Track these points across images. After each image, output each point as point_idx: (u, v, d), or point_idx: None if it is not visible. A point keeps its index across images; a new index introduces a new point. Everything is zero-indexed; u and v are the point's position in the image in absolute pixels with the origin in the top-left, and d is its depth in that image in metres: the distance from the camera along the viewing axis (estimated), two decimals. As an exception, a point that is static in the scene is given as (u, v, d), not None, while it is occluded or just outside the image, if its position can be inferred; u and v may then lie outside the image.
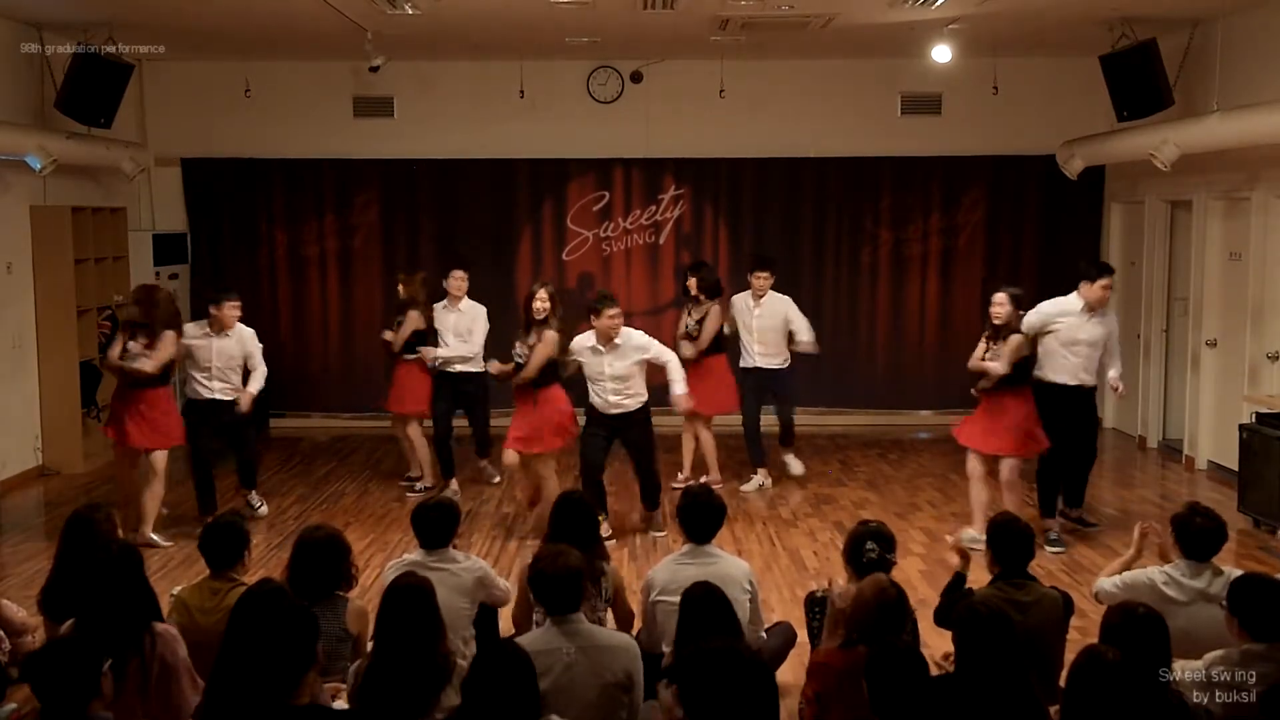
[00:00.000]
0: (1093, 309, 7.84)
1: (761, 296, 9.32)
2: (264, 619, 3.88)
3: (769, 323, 9.35)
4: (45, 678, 3.55)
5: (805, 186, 11.92)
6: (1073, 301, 7.90)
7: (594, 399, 7.88)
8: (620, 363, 7.69)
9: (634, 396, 7.83)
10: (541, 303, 7.76)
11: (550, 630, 4.28)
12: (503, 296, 11.24)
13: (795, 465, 9.85)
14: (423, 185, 11.93)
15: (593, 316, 7.73)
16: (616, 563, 5.47)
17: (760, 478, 9.51)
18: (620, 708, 4.24)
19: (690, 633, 4.20)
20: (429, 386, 9.23)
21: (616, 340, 7.64)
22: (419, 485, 9.43)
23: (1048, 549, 7.58)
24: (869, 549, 4.82)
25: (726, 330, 9.31)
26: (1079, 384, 7.86)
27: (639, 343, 7.76)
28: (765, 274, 9.30)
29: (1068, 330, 7.82)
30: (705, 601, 4.31)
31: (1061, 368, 7.83)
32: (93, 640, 3.97)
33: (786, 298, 9.48)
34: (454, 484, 9.32)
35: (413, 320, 9.14)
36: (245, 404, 8.29)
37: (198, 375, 8.28)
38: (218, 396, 8.28)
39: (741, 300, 9.45)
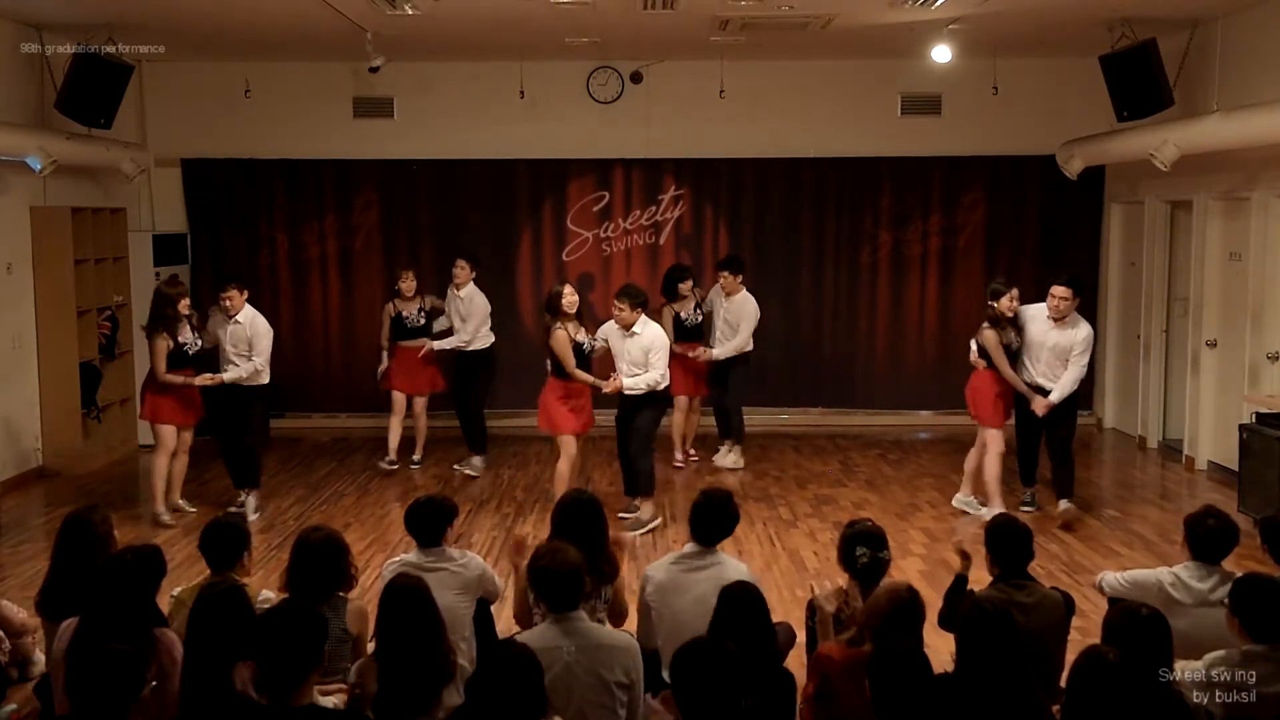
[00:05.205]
0: (1056, 316, 8.17)
1: (731, 295, 9.86)
2: (275, 619, 3.86)
3: (731, 319, 9.91)
4: (87, 681, 3.55)
5: (805, 187, 11.92)
6: (1042, 307, 8.28)
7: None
8: (636, 349, 8.22)
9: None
10: (571, 297, 8.22)
11: (550, 628, 4.28)
12: (503, 297, 11.24)
13: (726, 458, 10.16)
14: (423, 186, 11.92)
15: None
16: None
17: (726, 448, 10.24)
18: (620, 707, 4.24)
19: (723, 631, 4.16)
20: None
21: (636, 330, 8.20)
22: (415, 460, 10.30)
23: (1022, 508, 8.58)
24: (860, 554, 4.83)
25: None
26: (1039, 385, 8.29)
27: (651, 340, 8.26)
28: (726, 274, 9.89)
29: (1034, 335, 8.29)
30: (742, 600, 4.31)
31: (1024, 368, 8.35)
32: (105, 640, 3.97)
33: (752, 301, 9.89)
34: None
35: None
36: (200, 381, 8.34)
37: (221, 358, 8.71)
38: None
39: (715, 293, 10.10)
